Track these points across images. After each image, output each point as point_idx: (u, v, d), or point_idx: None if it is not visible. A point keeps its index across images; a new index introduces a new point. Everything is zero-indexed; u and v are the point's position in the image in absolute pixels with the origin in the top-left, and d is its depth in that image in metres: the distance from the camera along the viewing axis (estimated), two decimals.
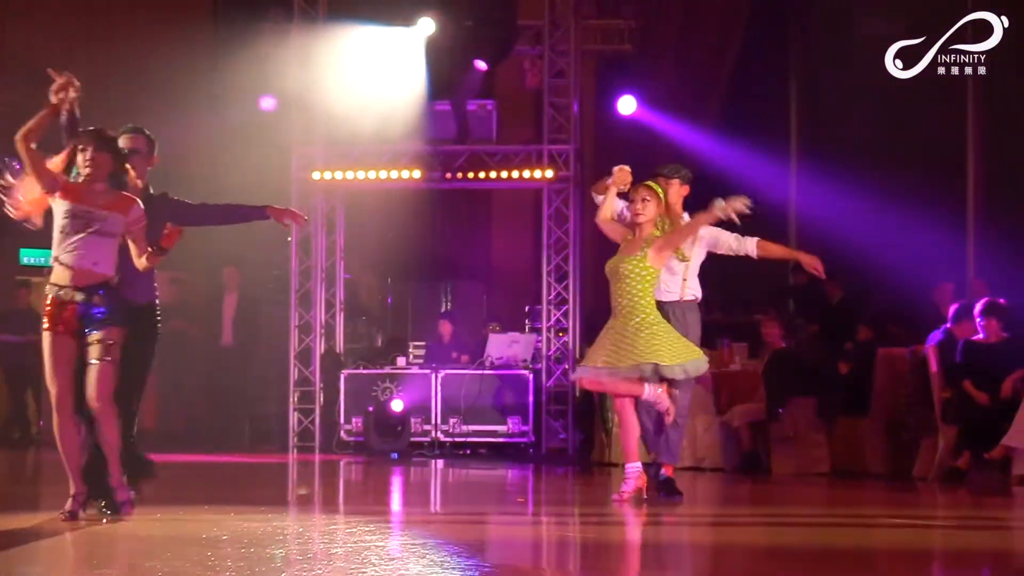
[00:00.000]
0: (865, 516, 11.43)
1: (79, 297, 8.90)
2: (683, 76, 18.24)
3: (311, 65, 17.39)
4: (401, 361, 17.44)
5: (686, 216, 11.19)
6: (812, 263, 11.41)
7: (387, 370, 17.32)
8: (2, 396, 19.21)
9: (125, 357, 9.16)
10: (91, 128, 9.06)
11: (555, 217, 17.49)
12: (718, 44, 18.04)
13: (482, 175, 17.79)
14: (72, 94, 8.79)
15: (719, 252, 11.34)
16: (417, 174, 17.70)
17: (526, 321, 17.96)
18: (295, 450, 17.39)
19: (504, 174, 17.76)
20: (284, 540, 8.74)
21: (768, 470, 14.83)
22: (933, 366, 13.85)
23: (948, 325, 14.02)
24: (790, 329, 15.62)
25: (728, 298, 17.62)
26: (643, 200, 10.68)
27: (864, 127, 18.73)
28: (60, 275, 8.93)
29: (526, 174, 17.65)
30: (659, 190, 10.81)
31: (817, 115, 19.10)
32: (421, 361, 17.44)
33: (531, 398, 16.95)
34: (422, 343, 17.75)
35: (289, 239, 17.80)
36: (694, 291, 11.30)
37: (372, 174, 17.68)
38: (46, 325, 8.96)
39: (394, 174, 17.69)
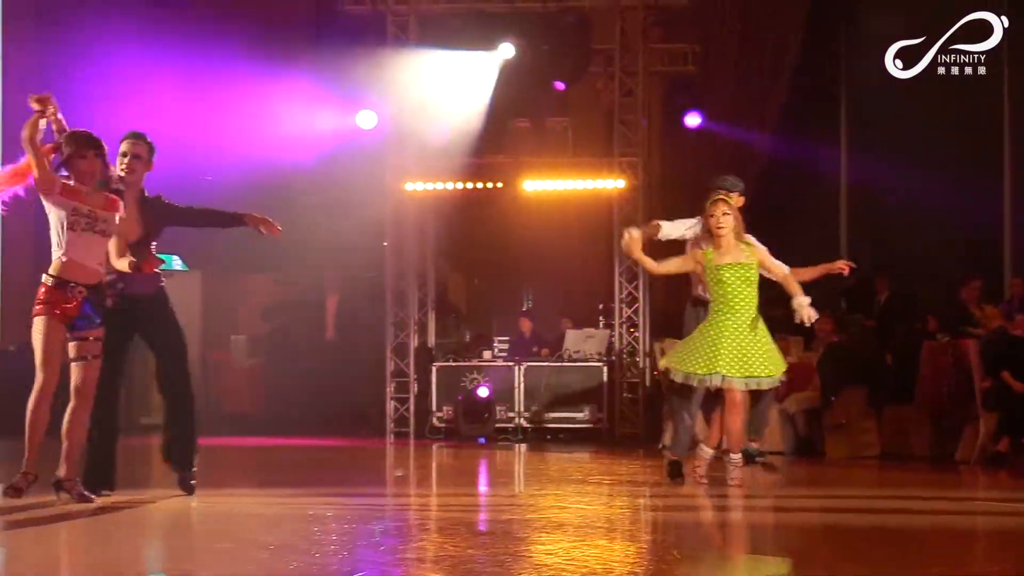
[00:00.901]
0: (912, 497, 11.37)
1: (84, 294, 8.78)
2: (741, 93, 18.16)
3: (403, 86, 17.45)
4: (487, 355, 17.49)
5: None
6: (838, 267, 11.35)
7: (474, 363, 17.38)
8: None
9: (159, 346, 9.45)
10: (83, 132, 8.95)
11: (625, 222, 17.44)
12: (772, 64, 17.94)
13: (559, 185, 17.81)
14: (52, 107, 8.78)
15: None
16: (500, 184, 17.73)
17: (600, 318, 17.96)
18: (391, 435, 17.45)
19: (579, 184, 17.77)
20: (383, 516, 8.80)
21: (822, 453, 14.77)
22: (974, 358, 13.77)
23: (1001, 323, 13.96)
24: (842, 325, 15.55)
25: (786, 297, 17.49)
26: (724, 214, 10.50)
27: (907, 123, 18.06)
28: (67, 270, 8.74)
29: (599, 184, 17.66)
30: (732, 201, 10.70)
31: (864, 114, 18.69)
32: (505, 355, 17.48)
33: (605, 388, 16.95)
34: (506, 338, 17.78)
35: (385, 244, 17.89)
36: None
37: (459, 184, 17.73)
38: (41, 308, 8.73)
39: (479, 184, 17.74)
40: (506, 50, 17.21)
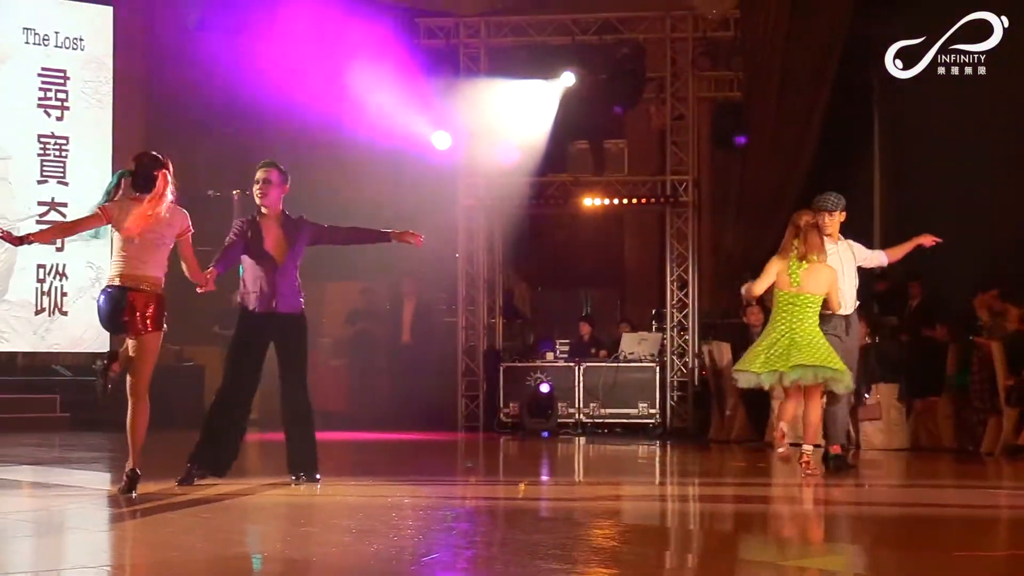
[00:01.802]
0: (941, 484, 11.33)
1: None
2: (783, 115, 18.09)
3: (474, 111, 17.52)
4: (549, 356, 17.49)
5: (843, 239, 11.16)
6: (927, 240, 11.39)
7: (538, 363, 17.39)
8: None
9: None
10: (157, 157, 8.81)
11: (676, 235, 17.47)
12: (812, 90, 17.87)
13: (616, 201, 17.81)
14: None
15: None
16: (562, 201, 17.76)
17: (653, 322, 17.93)
18: (462, 430, 17.50)
19: (634, 200, 17.77)
20: (454, 503, 8.84)
21: (857, 445, 14.69)
22: (997, 357, 13.68)
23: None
24: (875, 327, 15.47)
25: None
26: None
27: (937, 143, 17.36)
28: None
29: (652, 200, 17.66)
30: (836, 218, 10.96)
31: (898, 137, 18.30)
32: (566, 356, 17.48)
33: (657, 386, 16.93)
34: (566, 341, 17.78)
35: (457, 255, 17.96)
36: None
37: (525, 200, 17.77)
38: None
39: (542, 200, 17.77)
40: (567, 78, 17.23)
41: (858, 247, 11.32)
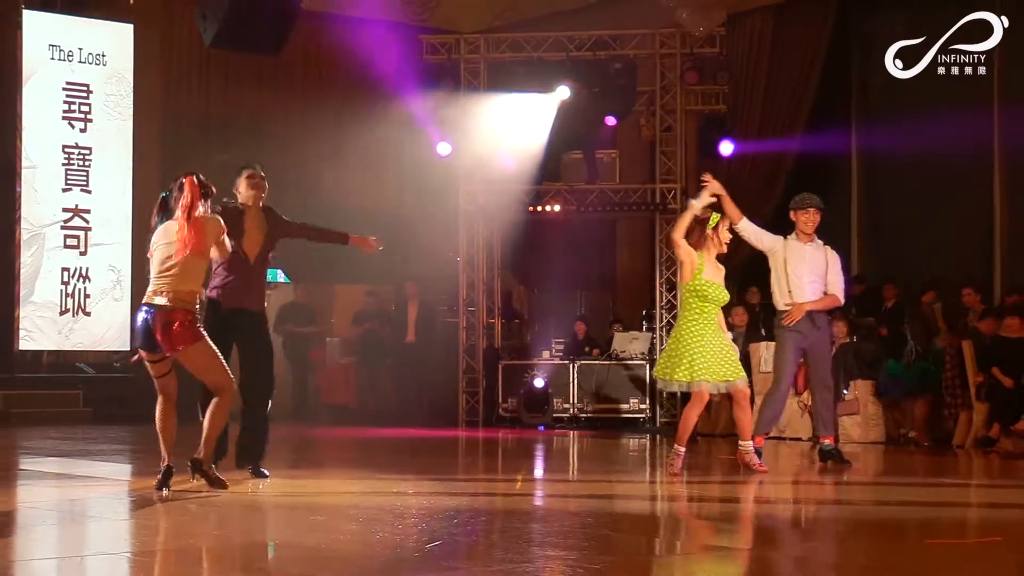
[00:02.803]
0: (914, 476, 11.35)
1: None
2: (766, 126, 18.17)
3: (474, 122, 17.55)
4: (546, 354, 17.52)
5: (818, 240, 10.87)
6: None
7: (535, 361, 17.41)
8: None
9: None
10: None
11: (665, 241, 17.44)
12: (792, 102, 17.94)
13: (608, 208, 17.83)
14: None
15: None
16: (557, 207, 17.78)
17: (643, 322, 17.96)
18: (463, 424, 17.51)
19: (625, 207, 17.79)
20: (455, 494, 8.85)
21: (836, 439, 14.68)
22: (968, 356, 13.70)
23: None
24: (854, 327, 15.49)
25: None
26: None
27: (907, 146, 17.22)
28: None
29: (642, 207, 17.67)
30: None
31: (874, 134, 18.24)
32: (561, 354, 17.50)
33: (647, 383, 16.95)
34: (562, 340, 17.80)
35: (458, 259, 17.98)
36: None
37: (522, 207, 17.79)
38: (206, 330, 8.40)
39: (539, 207, 17.78)
40: (562, 92, 17.24)
41: (833, 256, 10.96)
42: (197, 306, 8.37)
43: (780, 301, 10.85)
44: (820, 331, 10.89)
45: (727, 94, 17.70)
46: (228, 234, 8.59)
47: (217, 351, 8.40)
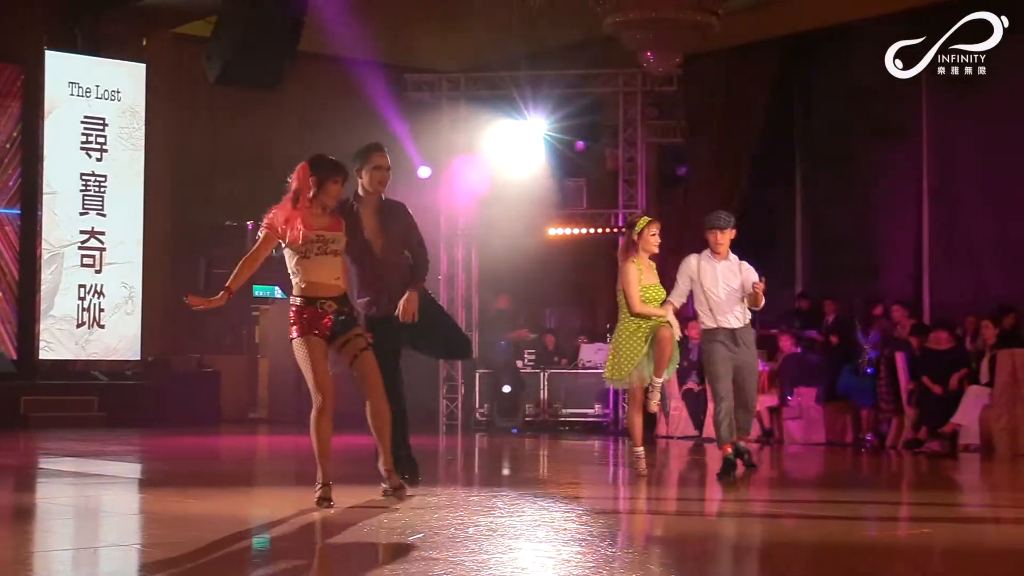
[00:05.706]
0: (851, 474, 11.40)
1: (334, 307, 7.61)
2: (719, 156, 18.31)
3: (454, 146, 17.65)
4: (518, 363, 17.54)
5: (733, 256, 9.99)
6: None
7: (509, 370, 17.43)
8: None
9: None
10: (331, 159, 7.81)
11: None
12: (743, 135, 18.06)
13: (576, 231, 17.87)
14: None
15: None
16: (531, 230, 17.80)
17: (608, 335, 17.96)
18: (443, 428, 17.49)
19: (591, 230, 17.83)
20: (437, 491, 8.84)
21: (780, 440, 14.79)
22: (901, 365, 13.79)
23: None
24: (798, 339, 15.57)
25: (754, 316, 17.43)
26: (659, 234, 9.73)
27: (846, 175, 17.34)
28: (309, 290, 7.54)
29: (607, 230, 17.71)
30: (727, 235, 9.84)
31: (816, 167, 18.35)
32: (533, 363, 17.53)
33: (611, 390, 16.92)
34: (533, 350, 17.82)
35: (440, 277, 17.97)
36: None
37: (497, 229, 17.81)
38: (299, 329, 7.56)
39: (513, 228, 17.80)
40: (537, 123, 17.36)
41: (747, 269, 10.03)
42: (297, 298, 7.62)
43: (704, 320, 9.99)
44: (748, 349, 10.03)
45: (683, 128, 17.82)
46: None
47: (309, 361, 7.61)
